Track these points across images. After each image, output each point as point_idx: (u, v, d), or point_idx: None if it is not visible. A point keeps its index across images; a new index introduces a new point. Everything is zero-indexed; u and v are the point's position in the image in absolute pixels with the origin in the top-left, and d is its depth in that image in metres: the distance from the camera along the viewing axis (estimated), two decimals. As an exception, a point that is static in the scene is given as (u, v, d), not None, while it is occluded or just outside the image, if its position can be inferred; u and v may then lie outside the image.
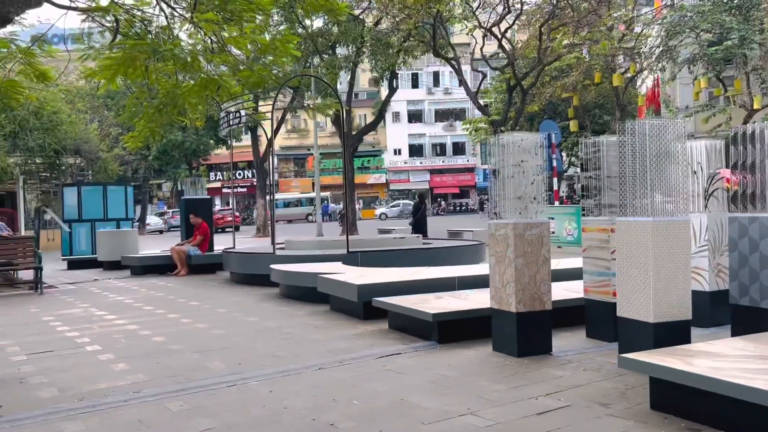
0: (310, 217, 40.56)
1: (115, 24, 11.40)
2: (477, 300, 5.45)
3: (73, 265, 14.39)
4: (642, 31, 24.11)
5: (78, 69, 21.04)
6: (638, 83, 27.93)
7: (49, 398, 3.90)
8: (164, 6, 10.41)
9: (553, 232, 14.54)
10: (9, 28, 11.67)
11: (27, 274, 10.59)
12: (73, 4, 11.10)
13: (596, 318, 4.99)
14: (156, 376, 4.35)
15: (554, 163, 17.54)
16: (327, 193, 45.62)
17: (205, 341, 5.52)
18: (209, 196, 15.49)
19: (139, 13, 10.72)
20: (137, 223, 31.59)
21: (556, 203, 18.19)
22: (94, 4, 11.23)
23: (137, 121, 13.53)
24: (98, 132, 32.46)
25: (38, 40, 11.73)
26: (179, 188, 44.67)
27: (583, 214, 5.24)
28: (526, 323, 4.46)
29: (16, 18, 11.36)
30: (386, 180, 56.30)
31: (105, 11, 10.62)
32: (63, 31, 11.10)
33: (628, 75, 25.04)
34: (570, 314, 5.37)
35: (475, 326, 5.06)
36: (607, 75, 25.20)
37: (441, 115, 57.17)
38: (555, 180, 17.80)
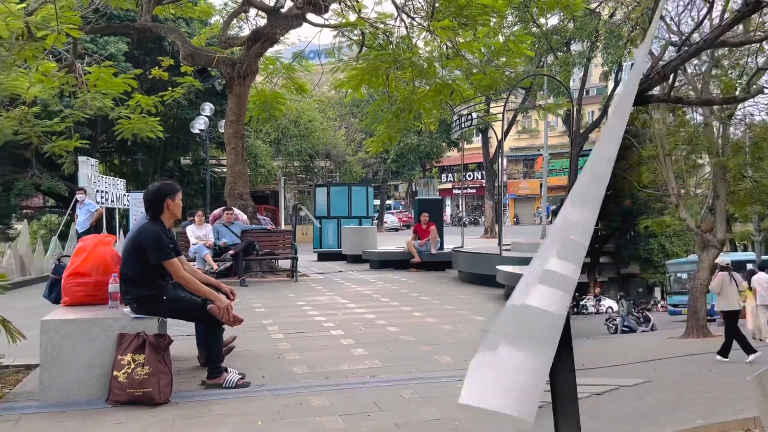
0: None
1: (361, 37, 12.46)
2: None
3: (322, 257, 16.00)
4: None
5: (329, 80, 23.36)
6: None
7: (301, 374, 4.39)
8: (404, 17, 11.07)
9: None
10: (275, 47, 13.41)
11: (285, 263, 12.02)
12: (326, 22, 12.37)
13: None
14: (389, 363, 4.64)
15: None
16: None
17: (434, 335, 5.74)
18: (440, 197, 16.06)
19: (381, 26, 11.56)
20: (376, 221, 33.92)
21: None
22: (343, 21, 12.39)
23: (377, 127, 14.62)
24: (345, 137, 35.63)
25: (298, 56, 13.27)
26: (413, 189, 47.00)
27: None
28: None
29: (281, 38, 12.95)
30: (620, 181, 52.60)
31: (353, 26, 11.68)
32: (317, 47, 12.42)
33: None
34: None
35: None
36: None
37: (684, 109, 51.69)
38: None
